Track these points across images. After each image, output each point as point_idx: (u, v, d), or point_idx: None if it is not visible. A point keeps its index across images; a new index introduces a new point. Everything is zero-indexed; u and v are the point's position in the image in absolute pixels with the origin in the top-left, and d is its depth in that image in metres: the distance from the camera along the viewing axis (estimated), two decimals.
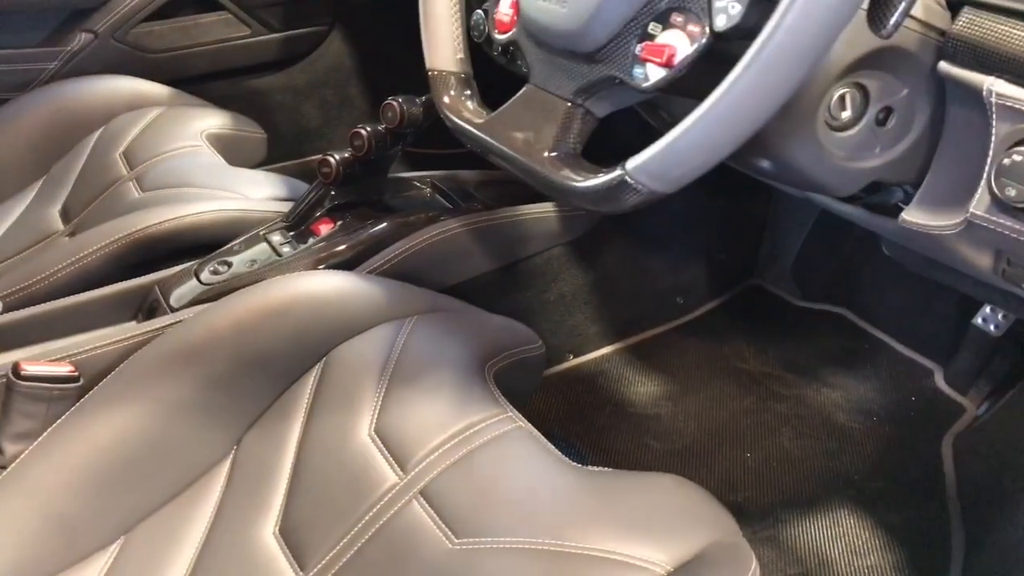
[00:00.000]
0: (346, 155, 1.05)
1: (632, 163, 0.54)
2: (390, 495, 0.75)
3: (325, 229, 1.07)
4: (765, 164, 0.70)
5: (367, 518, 0.74)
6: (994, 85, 0.59)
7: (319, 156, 1.07)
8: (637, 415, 1.24)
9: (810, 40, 0.48)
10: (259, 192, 1.25)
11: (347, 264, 1.02)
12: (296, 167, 1.74)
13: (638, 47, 0.57)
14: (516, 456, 0.76)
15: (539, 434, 0.80)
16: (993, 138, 0.61)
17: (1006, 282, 0.70)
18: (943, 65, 0.62)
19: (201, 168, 1.29)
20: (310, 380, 0.88)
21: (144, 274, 1.05)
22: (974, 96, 0.61)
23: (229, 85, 1.72)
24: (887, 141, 0.67)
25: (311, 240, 1.05)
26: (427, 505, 0.73)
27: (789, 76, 0.49)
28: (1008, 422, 1.10)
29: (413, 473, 0.76)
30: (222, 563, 0.77)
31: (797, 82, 0.49)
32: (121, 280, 1.04)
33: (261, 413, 0.88)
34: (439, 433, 0.78)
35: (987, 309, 1.18)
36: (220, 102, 1.55)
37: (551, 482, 0.74)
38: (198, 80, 1.67)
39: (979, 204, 0.63)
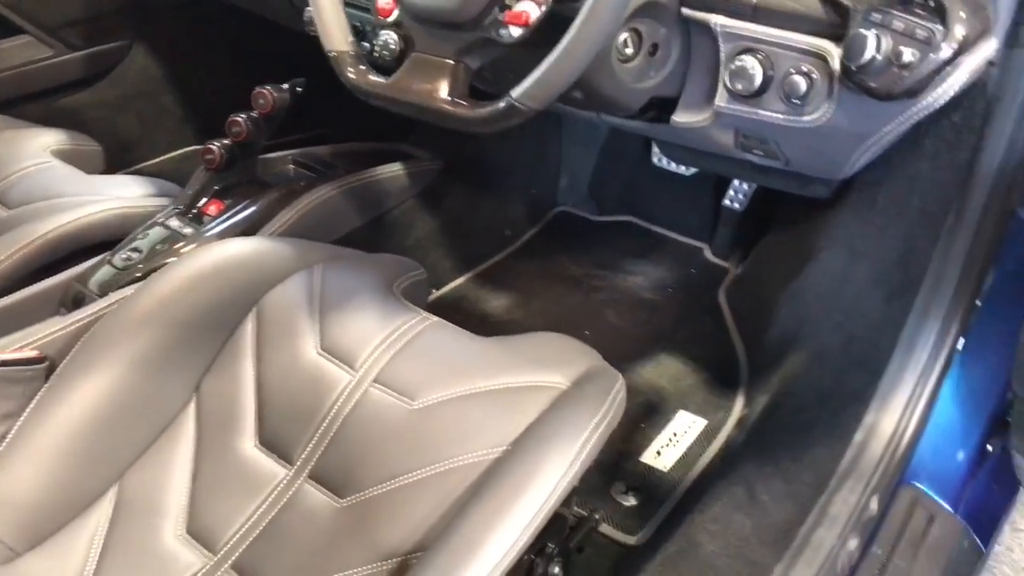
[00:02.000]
0: (226, 142, 1.19)
1: (516, 92, 0.77)
2: (348, 389, 0.90)
3: (216, 209, 1.20)
4: (579, 94, 0.96)
5: (334, 411, 0.88)
6: (717, 20, 0.88)
7: (200, 146, 1.20)
8: (498, 322, 1.48)
9: (616, 1, 0.74)
10: (130, 193, 1.32)
11: (249, 232, 1.16)
12: (141, 171, 1.78)
13: (501, 14, 0.80)
14: (441, 338, 0.97)
15: (451, 324, 1.02)
16: (722, 54, 0.90)
17: (743, 152, 1.01)
18: (684, 10, 0.90)
19: (64, 179, 1.34)
20: (248, 326, 0.99)
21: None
22: (706, 28, 0.90)
23: (40, 107, 1.71)
24: (658, 66, 0.94)
25: (208, 219, 1.19)
26: (382, 387, 0.89)
27: (606, 24, 0.75)
28: (754, 271, 1.47)
29: (363, 370, 0.92)
30: (219, 480, 0.88)
31: (611, 27, 0.75)
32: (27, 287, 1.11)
33: (212, 360, 0.99)
34: (376, 336, 0.94)
35: (731, 192, 1.55)
36: (36, 124, 1.56)
37: (471, 349, 0.95)
38: (7, 105, 1.66)
39: (720, 99, 0.92)
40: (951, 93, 0.79)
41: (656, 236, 1.71)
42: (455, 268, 1.59)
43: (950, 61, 0.76)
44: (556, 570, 0.90)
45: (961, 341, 1.00)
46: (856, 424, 0.99)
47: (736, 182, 1.54)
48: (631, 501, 1.13)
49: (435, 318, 1.00)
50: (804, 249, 1.18)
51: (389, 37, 0.95)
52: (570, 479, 0.76)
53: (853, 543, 0.88)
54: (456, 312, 1.51)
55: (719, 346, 1.40)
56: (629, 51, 0.89)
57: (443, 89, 0.84)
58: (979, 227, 0.93)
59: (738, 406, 1.26)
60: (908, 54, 0.75)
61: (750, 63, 0.87)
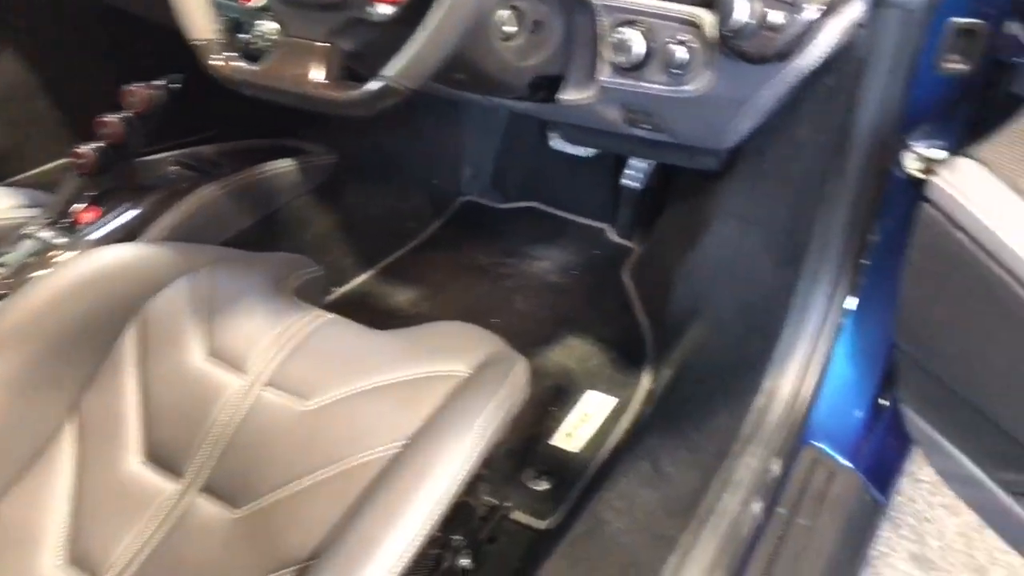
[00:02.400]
0: (98, 145, 1.12)
1: (389, 71, 0.74)
2: (239, 395, 0.86)
3: (91, 216, 1.13)
4: (463, 76, 0.93)
5: (225, 418, 0.84)
6: None
7: (66, 158, 1.13)
8: (406, 317, 1.45)
9: None
10: None
11: (128, 238, 1.10)
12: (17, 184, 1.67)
13: None
14: (336, 334, 0.93)
15: (347, 319, 0.98)
16: (602, 28, 0.89)
17: (632, 127, 1.01)
18: None
19: None
20: (129, 336, 0.94)
21: None
22: (586, 5, 0.89)
23: None
24: (541, 44, 0.92)
25: (82, 227, 1.11)
26: (274, 389, 0.86)
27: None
28: (655, 248, 1.48)
29: (254, 373, 0.88)
30: (102, 501, 0.83)
31: (476, 2, 0.73)
32: None
33: (92, 376, 0.95)
34: (267, 337, 0.89)
35: (629, 171, 1.55)
36: None
37: (367, 343, 0.92)
38: None
39: (604, 73, 0.92)
40: (821, 55, 0.80)
41: (560, 220, 1.70)
42: (358, 264, 1.54)
43: (817, 23, 0.77)
44: (465, 562, 0.88)
45: (853, 301, 1.03)
46: (755, 390, 1.00)
47: (633, 160, 1.54)
48: (543, 485, 1.12)
49: (330, 315, 0.97)
50: (699, 222, 1.19)
51: (265, 25, 0.90)
52: (470, 467, 0.73)
53: (757, 506, 0.89)
54: (361, 310, 1.47)
55: (625, 324, 1.40)
56: (511, 29, 0.88)
57: (316, 73, 0.80)
58: (859, 188, 0.95)
59: (645, 382, 1.26)
60: (777, 16, 0.76)
61: (630, 35, 0.87)
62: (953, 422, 0.81)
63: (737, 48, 0.78)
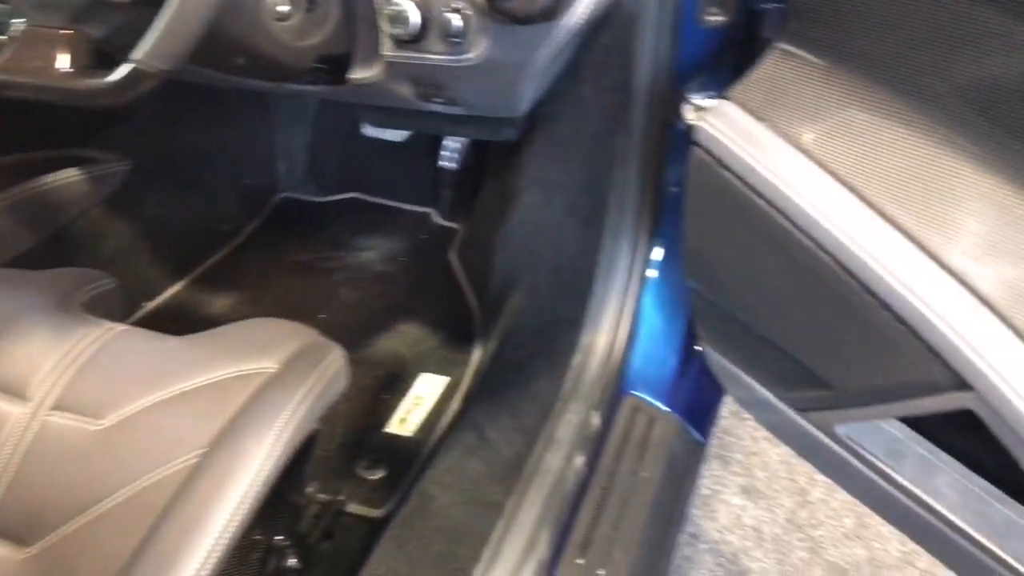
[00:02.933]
0: None
1: (138, 52, 0.69)
2: (23, 424, 0.80)
3: None
4: (241, 60, 0.89)
5: (6, 452, 0.77)
6: None
7: None
8: (227, 324, 1.37)
9: None
10: None
11: None
12: None
13: None
14: (130, 346, 0.86)
15: (143, 329, 0.91)
16: (376, 2, 0.87)
17: (426, 102, 1.00)
18: None
19: None
20: None
21: None
22: None
23: None
24: (319, 22, 0.89)
25: None
26: (62, 413, 0.79)
27: None
28: (476, 225, 1.47)
29: (37, 398, 0.81)
30: None
31: None
32: None
33: None
34: (50, 358, 0.83)
35: (444, 152, 1.54)
36: None
37: (166, 350, 0.85)
38: None
39: (386, 48, 0.90)
40: (586, 12, 0.81)
41: (383, 208, 1.67)
42: (168, 275, 1.45)
43: None
44: (292, 562, 0.84)
45: (660, 252, 1.07)
46: (573, 348, 1.02)
47: (448, 141, 1.53)
48: (378, 474, 1.09)
49: (123, 326, 0.89)
50: (509, 193, 1.19)
51: (8, 18, 0.82)
52: (272, 465, 0.70)
53: (579, 460, 0.90)
54: (177, 321, 1.38)
55: (454, 305, 1.39)
56: (284, 8, 0.84)
57: (61, 62, 0.73)
58: (645, 143, 0.98)
59: (475, 357, 1.26)
60: None
61: (405, 6, 0.85)
62: (743, 352, 0.85)
63: (504, 9, 0.79)
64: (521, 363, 1.04)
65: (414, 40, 0.88)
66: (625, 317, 1.04)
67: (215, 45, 0.77)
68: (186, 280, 1.48)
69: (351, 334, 1.35)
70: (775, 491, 1.32)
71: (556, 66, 0.92)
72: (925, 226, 0.63)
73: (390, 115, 1.19)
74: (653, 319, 1.07)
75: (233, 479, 0.68)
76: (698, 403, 1.06)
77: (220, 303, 1.44)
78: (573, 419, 0.93)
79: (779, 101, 0.73)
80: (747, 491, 1.34)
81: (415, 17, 0.86)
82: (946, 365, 0.61)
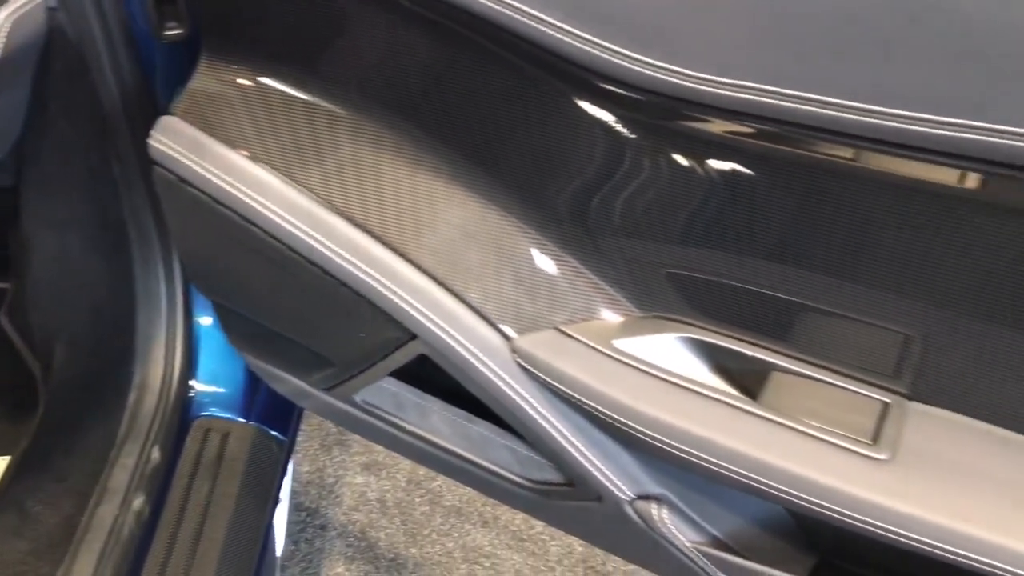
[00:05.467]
0: None
1: None
2: None
3: None
4: None
5: None
6: None
7: None
8: None
9: None
10: None
11: None
12: None
13: None
14: None
15: None
16: None
17: None
18: None
19: None
20: None
21: None
22: None
23: None
24: None
25: None
26: None
27: None
28: (22, 284, 1.30)
29: None
30: None
31: None
32: None
33: None
34: None
35: None
36: None
37: None
38: None
39: None
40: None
41: None
42: None
43: None
44: None
45: None
46: (126, 389, 0.97)
47: None
48: None
49: None
50: (24, 240, 1.08)
51: None
52: None
53: (139, 500, 0.87)
54: None
55: (15, 372, 1.24)
56: None
57: None
58: (143, 165, 0.94)
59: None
60: None
61: None
62: (269, 349, 0.87)
63: None
64: (70, 421, 0.96)
65: None
66: (179, 343, 1.01)
67: None
68: None
69: None
70: (395, 459, 1.40)
71: (10, 103, 0.85)
72: (362, 209, 0.70)
73: None
74: (213, 337, 1.05)
75: None
76: (275, 405, 1.07)
77: None
78: (129, 462, 0.89)
79: (218, 111, 0.74)
80: (369, 467, 1.39)
81: None
82: (397, 323, 0.68)
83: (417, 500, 1.34)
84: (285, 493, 1.10)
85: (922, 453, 0.54)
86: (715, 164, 0.57)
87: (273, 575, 0.97)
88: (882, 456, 0.54)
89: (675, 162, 0.58)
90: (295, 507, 1.34)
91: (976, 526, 0.51)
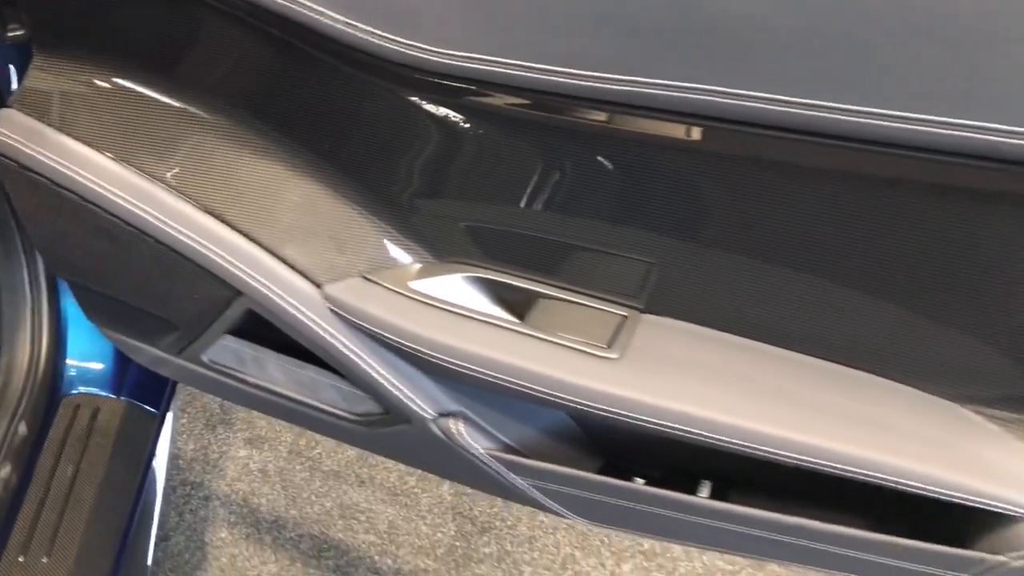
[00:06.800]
0: None
1: None
2: None
3: None
4: None
5: None
6: None
7: None
8: None
9: None
10: None
11: None
12: None
13: None
14: None
15: None
16: None
17: None
18: None
19: None
20: None
21: None
22: None
23: None
24: None
25: None
26: None
27: None
28: None
29: None
30: None
31: None
32: None
33: None
34: None
35: None
36: None
37: None
38: None
39: None
40: None
41: None
42: None
43: None
44: None
45: None
46: None
47: None
48: None
49: None
50: None
51: None
52: None
53: (6, 470, 0.93)
54: None
55: None
56: None
57: None
58: None
59: None
60: None
61: None
62: (123, 321, 0.94)
63: None
64: None
65: None
66: (46, 326, 1.06)
67: None
68: None
69: None
70: (276, 431, 1.47)
71: None
72: (183, 180, 0.78)
73: None
74: (81, 316, 1.11)
75: None
76: (146, 380, 1.14)
77: None
78: None
79: (51, 102, 0.81)
80: (251, 441, 1.46)
81: None
82: (223, 282, 0.77)
83: (297, 467, 1.42)
84: (161, 464, 1.17)
85: (647, 351, 0.67)
86: (473, 128, 0.68)
87: (148, 543, 1.03)
88: (613, 355, 0.66)
89: (444, 127, 0.69)
90: (181, 483, 1.40)
91: (685, 403, 0.63)
